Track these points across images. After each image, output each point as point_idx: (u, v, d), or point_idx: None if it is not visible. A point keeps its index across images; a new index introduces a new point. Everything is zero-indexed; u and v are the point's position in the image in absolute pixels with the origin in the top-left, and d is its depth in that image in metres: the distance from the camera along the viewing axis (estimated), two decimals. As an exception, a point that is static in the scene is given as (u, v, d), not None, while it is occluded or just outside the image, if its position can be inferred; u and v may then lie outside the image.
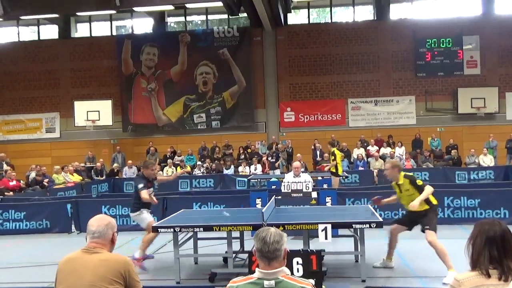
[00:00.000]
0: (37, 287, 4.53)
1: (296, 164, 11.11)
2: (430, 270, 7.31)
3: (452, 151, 20.20)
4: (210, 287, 4.77)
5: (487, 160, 19.46)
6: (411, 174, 7.66)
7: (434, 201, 7.41)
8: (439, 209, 10.88)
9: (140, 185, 8.34)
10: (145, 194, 8.19)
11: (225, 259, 7.85)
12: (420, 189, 7.20)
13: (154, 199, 8.51)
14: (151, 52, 23.47)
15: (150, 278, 7.54)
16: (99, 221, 3.49)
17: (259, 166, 20.02)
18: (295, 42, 23.13)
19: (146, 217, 8.32)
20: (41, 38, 24.74)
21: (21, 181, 17.18)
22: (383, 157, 19.92)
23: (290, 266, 3.78)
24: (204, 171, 20.27)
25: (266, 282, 2.95)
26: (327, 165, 15.46)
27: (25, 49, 24.20)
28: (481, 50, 22.14)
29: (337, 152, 14.64)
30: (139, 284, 3.40)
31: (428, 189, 7.16)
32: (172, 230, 7.08)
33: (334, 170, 14.35)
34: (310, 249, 3.97)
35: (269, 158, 20.42)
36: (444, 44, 22.26)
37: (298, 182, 10.19)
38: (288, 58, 23.17)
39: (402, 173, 7.44)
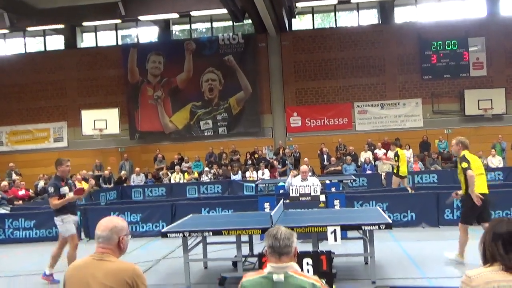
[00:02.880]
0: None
1: (303, 168, 11.07)
2: (439, 271, 7.28)
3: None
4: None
5: (495, 161, 19.35)
6: (464, 155, 7.57)
7: (474, 191, 7.38)
8: (448, 210, 10.92)
9: (50, 189, 7.74)
10: (55, 201, 7.66)
11: (235, 263, 7.85)
12: (463, 172, 7.48)
13: (71, 195, 7.78)
14: (156, 60, 23.60)
15: (160, 283, 7.55)
16: (104, 225, 3.39)
17: (266, 171, 20.02)
18: (300, 47, 23.18)
19: (69, 229, 7.78)
20: (47, 49, 24.95)
21: (30, 190, 17.28)
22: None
23: (300, 267, 3.77)
24: (212, 177, 20.29)
25: (275, 276, 3.08)
26: (389, 160, 16.10)
27: (32, 60, 24.40)
28: (487, 52, 22.08)
29: (401, 152, 14.76)
30: None
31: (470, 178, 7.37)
32: (181, 235, 7.08)
33: (396, 171, 14.50)
34: (320, 250, 3.96)
35: (279, 166, 20.45)
36: (450, 46, 22.22)
37: (306, 186, 10.19)
38: (293, 63, 23.21)
39: (463, 152, 7.59)
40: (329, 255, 4.03)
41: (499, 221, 3.09)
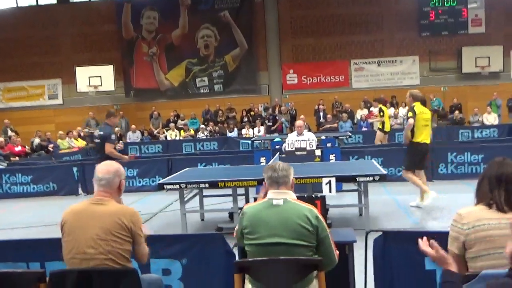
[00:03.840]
0: (44, 238, 4.60)
1: (299, 123, 11.07)
2: (430, 219, 7.42)
3: (455, 112, 20.12)
4: (216, 234, 4.85)
5: (491, 118, 19.42)
6: (414, 106, 8.34)
7: (415, 139, 8.22)
8: (442, 164, 11.03)
9: (113, 137, 8.24)
10: (112, 148, 8.10)
11: (231, 215, 7.95)
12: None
13: (126, 157, 8.39)
14: (151, 16, 23.20)
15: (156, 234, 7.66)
16: (107, 168, 3.44)
17: (262, 128, 20.04)
18: (297, 3, 22.79)
19: None
20: (39, 3, 24.41)
21: (26, 147, 17.29)
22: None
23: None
24: (208, 134, 20.33)
25: (275, 200, 3.32)
26: (375, 116, 16.33)
27: (24, 14, 23.89)
28: (486, 8, 21.79)
29: (384, 108, 15.00)
30: (141, 238, 3.36)
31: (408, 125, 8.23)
32: (178, 186, 7.14)
33: (380, 126, 14.60)
34: (315, 195, 4.03)
35: (267, 122, 20.44)
36: (448, 2, 21.89)
37: (302, 140, 10.23)
38: (290, 19, 22.88)
39: (414, 103, 8.35)
40: (324, 200, 4.09)
41: (496, 163, 3.14)
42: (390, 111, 20.41)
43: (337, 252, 3.45)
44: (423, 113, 8.32)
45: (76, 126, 20.45)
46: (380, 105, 15.30)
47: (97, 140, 8.71)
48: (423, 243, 2.90)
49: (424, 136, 8.26)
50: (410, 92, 8.61)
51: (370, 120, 16.49)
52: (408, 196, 9.36)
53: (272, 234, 3.23)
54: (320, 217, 3.32)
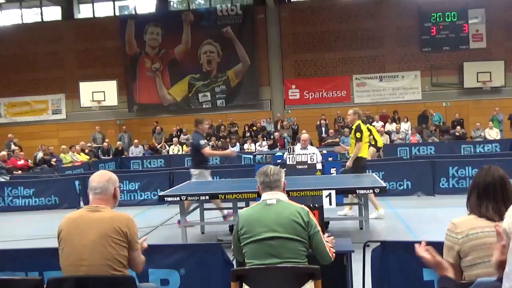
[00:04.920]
0: (42, 247, 4.61)
1: (304, 136, 11.00)
2: (433, 234, 7.37)
3: (457, 127, 20.14)
4: (214, 244, 4.86)
5: (493, 133, 19.41)
6: (359, 124, 8.80)
7: (359, 154, 8.77)
8: (443, 178, 11.02)
9: (202, 142, 8.79)
10: (209, 150, 8.80)
11: (231, 228, 7.95)
12: (355, 140, 8.74)
13: (229, 150, 9.09)
14: (154, 32, 23.43)
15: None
16: (100, 177, 3.47)
17: (264, 144, 20.07)
18: (299, 19, 23.00)
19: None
20: (44, 19, 24.71)
21: (29, 161, 17.36)
22: (388, 133, 19.96)
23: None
24: (210, 149, 20.33)
25: (269, 200, 3.47)
26: (343, 147, 16.11)
27: (29, 31, 24.17)
28: (487, 24, 21.90)
29: (371, 128, 14.91)
30: (137, 245, 3.37)
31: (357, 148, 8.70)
32: (178, 198, 7.16)
33: (373, 142, 14.60)
34: (313, 204, 4.04)
35: (268, 137, 20.50)
36: (450, 18, 22.03)
37: (304, 154, 10.22)
38: (292, 35, 23.06)
39: (358, 121, 8.80)
40: (321, 209, 4.11)
41: (486, 170, 3.16)
42: (392, 126, 20.51)
43: (332, 250, 3.55)
44: (365, 131, 9.00)
45: (79, 141, 20.52)
46: (367, 125, 15.26)
47: (190, 148, 9.83)
48: (420, 248, 2.90)
49: (364, 152, 8.99)
50: (354, 110, 9.03)
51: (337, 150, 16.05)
52: (410, 210, 9.37)
53: (268, 230, 3.35)
54: (311, 215, 3.47)
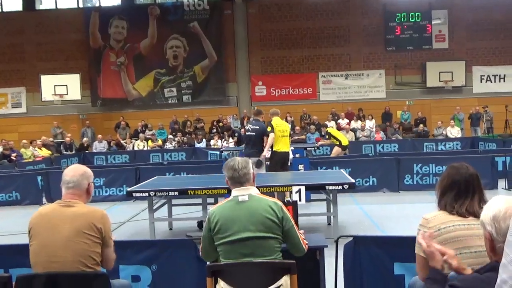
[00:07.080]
0: (8, 244, 4.46)
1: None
2: (397, 227, 7.53)
3: (420, 125, 20.58)
4: (187, 239, 4.81)
5: (454, 131, 19.92)
6: (272, 120, 9.71)
7: (275, 148, 9.51)
8: (408, 175, 11.23)
9: (269, 129, 9.34)
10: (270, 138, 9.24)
11: (200, 224, 7.90)
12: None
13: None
14: (119, 25, 23.02)
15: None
16: (74, 171, 3.38)
17: (231, 140, 20.01)
18: (266, 16, 23.02)
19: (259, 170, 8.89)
20: (4, 10, 23.91)
21: (-12, 156, 16.79)
22: (353, 130, 20.23)
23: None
24: (176, 145, 20.19)
25: (240, 197, 3.36)
26: (323, 141, 16.90)
27: (-12, 21, 23.38)
28: (450, 25, 22.44)
29: (331, 130, 15.77)
30: (111, 241, 3.33)
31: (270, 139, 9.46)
32: (146, 194, 7.05)
33: (338, 143, 14.80)
34: (287, 200, 4.04)
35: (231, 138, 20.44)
36: (414, 18, 22.46)
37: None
38: (259, 31, 23.06)
39: (273, 118, 9.72)
40: (295, 205, 4.12)
41: (458, 167, 3.22)
42: (357, 123, 20.79)
43: (306, 242, 3.54)
44: (279, 125, 9.71)
45: (40, 135, 19.99)
46: (327, 129, 16.07)
47: (250, 134, 9.79)
48: (421, 235, 2.87)
49: (281, 145, 9.57)
50: (270, 111, 10.06)
51: (319, 143, 16.81)
52: (376, 205, 9.51)
53: (242, 230, 3.28)
54: (285, 209, 3.42)
